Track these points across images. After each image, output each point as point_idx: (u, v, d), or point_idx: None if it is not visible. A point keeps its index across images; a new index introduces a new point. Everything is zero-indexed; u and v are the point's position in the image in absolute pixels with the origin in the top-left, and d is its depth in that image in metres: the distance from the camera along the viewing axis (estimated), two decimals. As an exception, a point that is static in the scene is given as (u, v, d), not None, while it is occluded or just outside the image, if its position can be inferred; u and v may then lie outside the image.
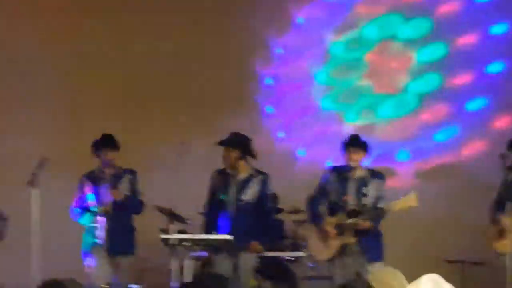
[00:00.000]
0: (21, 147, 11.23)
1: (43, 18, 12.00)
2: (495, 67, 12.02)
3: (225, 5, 11.65)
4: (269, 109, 12.18)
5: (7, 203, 10.04)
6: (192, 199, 10.40)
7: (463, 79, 12.09)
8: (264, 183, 10.02)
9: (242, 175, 10.04)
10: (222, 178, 10.04)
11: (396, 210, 9.49)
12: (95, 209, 10.10)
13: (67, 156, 10.60)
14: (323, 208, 9.94)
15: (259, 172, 10.05)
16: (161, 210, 10.24)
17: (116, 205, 10.06)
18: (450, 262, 11.00)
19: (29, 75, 12.02)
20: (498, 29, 12.00)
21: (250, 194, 9.95)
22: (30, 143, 11.16)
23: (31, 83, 12.05)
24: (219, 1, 11.61)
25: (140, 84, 12.01)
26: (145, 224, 10.36)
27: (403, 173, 11.49)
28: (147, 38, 12.03)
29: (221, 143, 9.97)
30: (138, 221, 10.31)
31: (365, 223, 9.56)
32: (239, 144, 9.99)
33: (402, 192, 9.59)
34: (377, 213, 9.60)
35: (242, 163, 9.97)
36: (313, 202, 9.97)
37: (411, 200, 9.40)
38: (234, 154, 9.95)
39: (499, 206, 9.68)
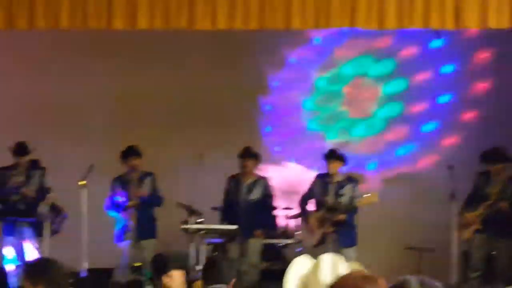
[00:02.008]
0: (75, 155, 11.03)
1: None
2: (444, 98, 11.90)
3: (236, 49, 11.59)
4: (267, 129, 12.09)
5: (62, 202, 9.89)
6: (206, 198, 10.30)
7: (419, 107, 11.99)
8: (266, 186, 10.14)
9: (250, 179, 10.11)
10: (235, 182, 10.16)
11: (362, 205, 9.56)
12: (126, 205, 10.03)
13: (109, 162, 10.47)
14: (309, 206, 9.94)
15: (262, 177, 10.13)
16: (182, 206, 10.10)
17: (142, 200, 10.06)
18: (409, 249, 10.82)
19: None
20: (447, 68, 11.90)
21: (255, 194, 10.07)
22: (81, 152, 11.02)
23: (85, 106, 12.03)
24: (232, 46, 11.54)
25: (174, 110, 11.91)
26: (170, 217, 10.23)
27: (372, 180, 11.39)
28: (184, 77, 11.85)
29: (247, 154, 10.05)
30: (163, 214, 10.22)
31: (340, 217, 9.60)
32: (257, 156, 10.14)
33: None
34: (349, 209, 9.65)
35: (253, 170, 10.11)
36: (302, 201, 10.03)
37: (372, 197, 9.45)
38: (252, 163, 10.07)
39: (467, 204, 9.60)
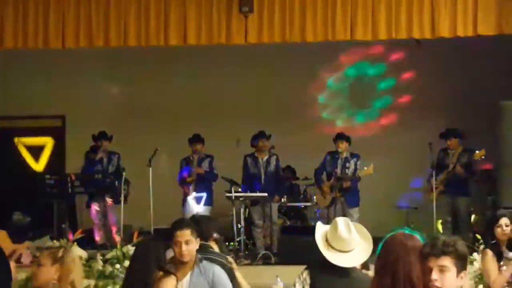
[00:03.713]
0: (143, 143, 11.93)
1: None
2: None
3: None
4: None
5: (135, 178, 11.27)
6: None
7: (405, 99, 13.27)
8: (278, 160, 11.19)
9: (266, 156, 11.09)
10: (252, 160, 11.09)
11: (362, 176, 10.42)
12: (187, 179, 11.37)
13: (170, 148, 11.94)
14: (323, 176, 10.85)
15: (273, 154, 11.20)
16: (226, 179, 11.31)
17: (200, 176, 11.38)
18: (398, 208, 12.14)
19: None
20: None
21: (272, 167, 11.08)
22: (149, 140, 11.90)
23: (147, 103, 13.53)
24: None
25: (224, 109, 13.23)
26: (217, 187, 11.45)
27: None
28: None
29: (264, 135, 11.02)
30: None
31: (346, 184, 10.55)
32: (269, 137, 11.17)
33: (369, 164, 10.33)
34: (352, 178, 10.56)
35: (266, 148, 11.08)
36: (317, 173, 11.02)
37: (369, 170, 10.29)
38: (269, 143, 11.17)
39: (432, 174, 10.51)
